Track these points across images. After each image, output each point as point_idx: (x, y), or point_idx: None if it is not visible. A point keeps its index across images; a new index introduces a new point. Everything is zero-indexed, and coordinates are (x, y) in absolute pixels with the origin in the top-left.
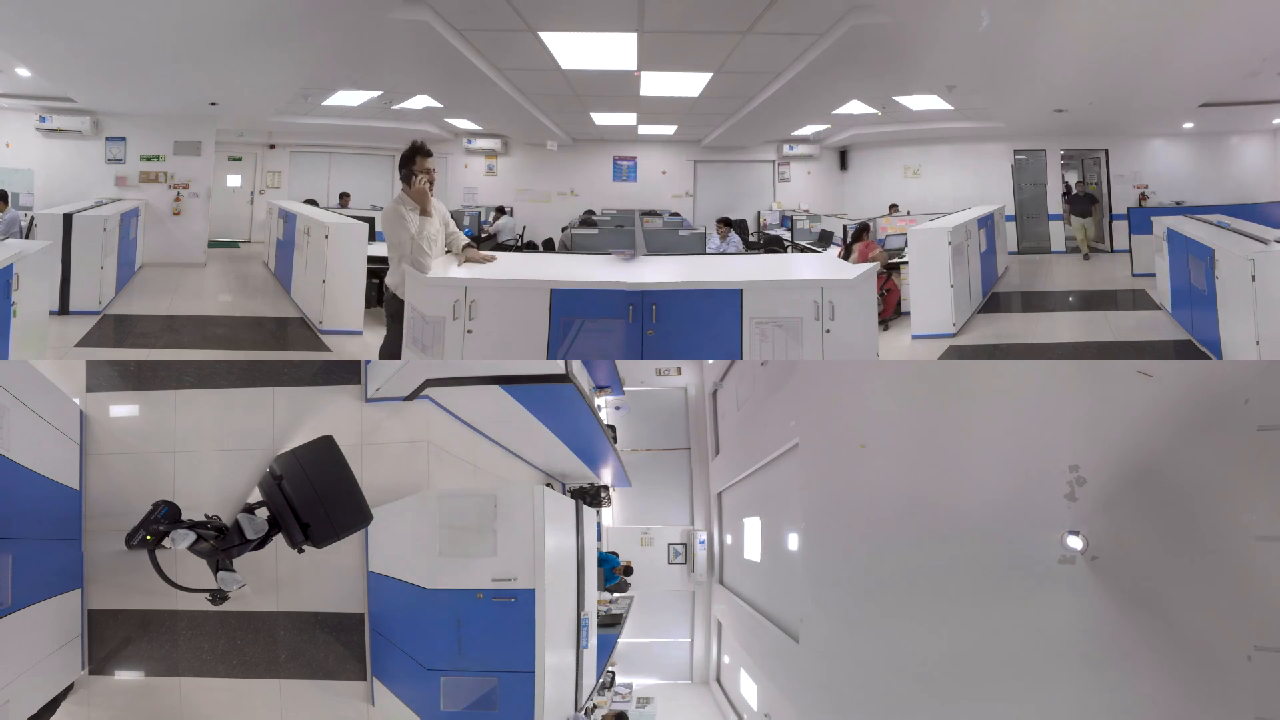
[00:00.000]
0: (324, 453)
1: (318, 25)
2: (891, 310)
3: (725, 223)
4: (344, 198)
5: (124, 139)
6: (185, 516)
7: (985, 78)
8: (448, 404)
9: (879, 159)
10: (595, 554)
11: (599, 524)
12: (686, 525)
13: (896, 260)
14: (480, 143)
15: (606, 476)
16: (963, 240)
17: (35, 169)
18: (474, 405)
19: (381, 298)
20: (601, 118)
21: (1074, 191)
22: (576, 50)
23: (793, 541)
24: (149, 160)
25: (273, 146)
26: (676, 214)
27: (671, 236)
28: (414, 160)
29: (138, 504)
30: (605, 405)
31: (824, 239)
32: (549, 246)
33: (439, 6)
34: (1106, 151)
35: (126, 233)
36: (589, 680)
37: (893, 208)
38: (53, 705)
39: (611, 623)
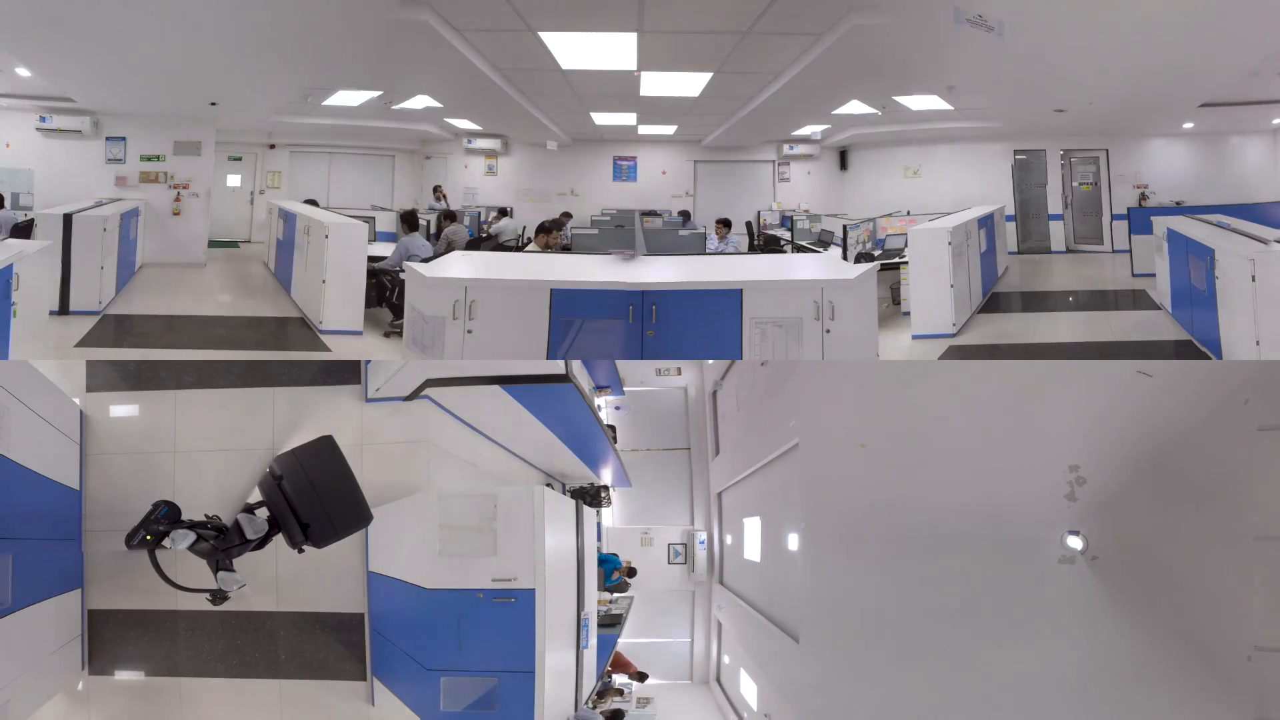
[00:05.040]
0: (324, 453)
1: (318, 25)
2: None
3: (724, 223)
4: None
5: (124, 139)
6: (185, 516)
7: (985, 78)
8: (448, 404)
9: (879, 159)
10: (595, 554)
11: (599, 524)
12: (686, 525)
13: (898, 261)
14: (480, 143)
15: (606, 476)
16: (963, 240)
17: (35, 169)
18: (474, 405)
19: (382, 298)
20: (601, 118)
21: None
22: (576, 50)
23: (793, 541)
24: (149, 160)
25: (273, 146)
26: (685, 212)
27: (671, 236)
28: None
29: (138, 504)
30: (605, 405)
31: (824, 239)
32: None
33: (439, 6)
34: (1106, 151)
35: (126, 233)
36: (589, 680)
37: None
38: None
39: (611, 623)
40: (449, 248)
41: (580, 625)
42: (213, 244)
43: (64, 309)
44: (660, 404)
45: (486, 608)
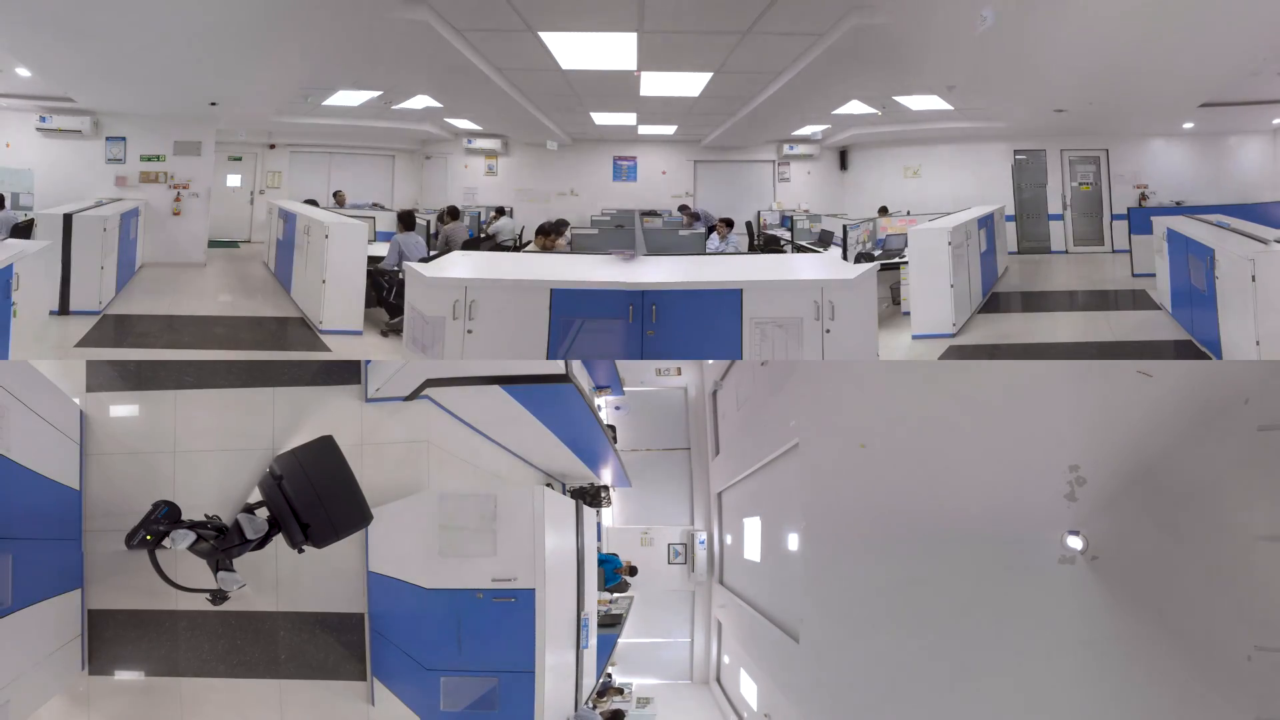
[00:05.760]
0: (324, 453)
1: (318, 25)
2: None
3: (726, 223)
4: (338, 196)
5: (124, 139)
6: (185, 516)
7: (985, 78)
8: (448, 404)
9: (879, 159)
10: (595, 554)
11: (599, 524)
12: (686, 525)
13: (899, 261)
14: (480, 143)
15: (606, 476)
16: (963, 240)
17: (35, 169)
18: (474, 405)
19: (381, 298)
20: (601, 118)
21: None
22: (576, 50)
23: (793, 541)
24: (149, 160)
25: (273, 146)
26: (685, 207)
27: (671, 236)
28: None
29: (138, 504)
30: (605, 405)
31: (824, 239)
32: None
33: (439, 6)
34: (1106, 151)
35: (126, 233)
36: (589, 680)
37: (883, 210)
38: None
39: (611, 623)
40: (448, 245)
41: (580, 625)
42: (213, 244)
43: (64, 309)
44: (660, 404)
45: (486, 608)
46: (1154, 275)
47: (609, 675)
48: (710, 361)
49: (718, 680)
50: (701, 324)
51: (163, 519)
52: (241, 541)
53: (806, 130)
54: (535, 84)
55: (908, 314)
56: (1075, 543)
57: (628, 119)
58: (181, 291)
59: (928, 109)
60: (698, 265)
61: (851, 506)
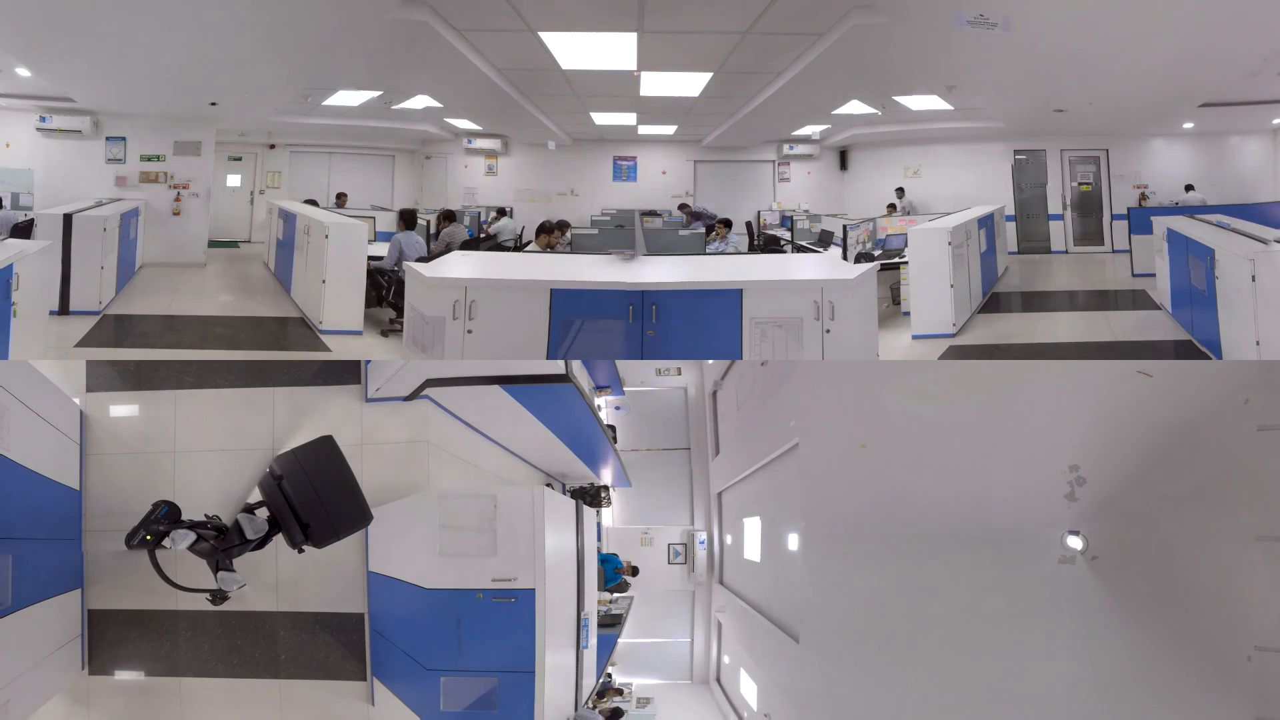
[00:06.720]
0: (324, 453)
1: (318, 25)
2: None
3: (725, 223)
4: (341, 198)
5: (124, 139)
6: (185, 516)
7: (985, 78)
8: (448, 404)
9: (879, 159)
10: (595, 554)
11: (599, 524)
12: (686, 525)
13: (897, 261)
14: (480, 143)
15: (606, 476)
16: (963, 240)
17: (35, 169)
18: (474, 405)
19: (380, 299)
20: (601, 118)
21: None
22: (576, 50)
23: (793, 541)
24: (149, 160)
25: (273, 146)
26: (685, 205)
27: (671, 236)
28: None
29: (138, 504)
30: (605, 405)
31: (824, 239)
32: None
33: (439, 6)
34: (1106, 151)
35: (126, 233)
36: (589, 680)
37: (891, 207)
38: None
39: (611, 623)
40: (447, 248)
41: (580, 625)
42: (213, 244)
43: (64, 309)
44: (660, 404)
45: (486, 608)
46: (1154, 275)
47: (609, 675)
48: (710, 361)
49: (718, 680)
50: (701, 324)
51: (163, 519)
52: (241, 541)
53: (806, 130)
54: (535, 84)
55: (908, 314)
56: (1075, 543)
57: (628, 119)
58: (181, 291)
59: (928, 109)
60: (698, 265)
61: (851, 506)
